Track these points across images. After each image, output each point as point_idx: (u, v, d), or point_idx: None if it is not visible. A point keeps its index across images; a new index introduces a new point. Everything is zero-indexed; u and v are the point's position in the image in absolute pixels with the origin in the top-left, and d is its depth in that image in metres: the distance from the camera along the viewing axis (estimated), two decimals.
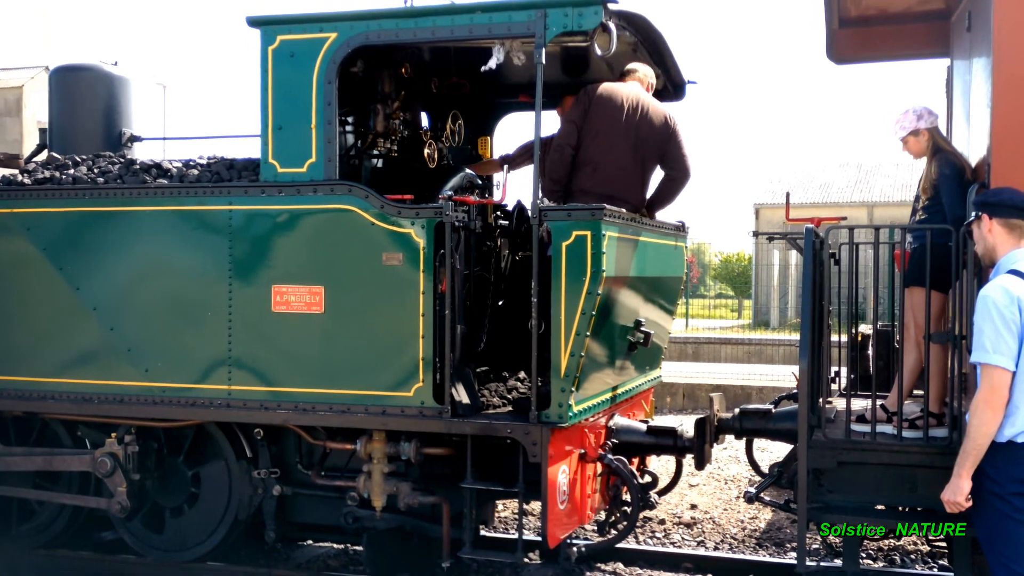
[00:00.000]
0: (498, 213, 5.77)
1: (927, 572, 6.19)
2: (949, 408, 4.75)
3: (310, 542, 6.73)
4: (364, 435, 5.29)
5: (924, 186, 5.26)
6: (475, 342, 5.42)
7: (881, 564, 6.41)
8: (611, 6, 4.83)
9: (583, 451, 5.28)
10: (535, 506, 6.90)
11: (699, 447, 5.63)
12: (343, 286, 5.10)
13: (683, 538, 7.09)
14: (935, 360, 4.94)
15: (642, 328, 5.54)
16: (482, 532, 6.46)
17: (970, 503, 3.90)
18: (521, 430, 4.87)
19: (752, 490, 5.49)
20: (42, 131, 6.64)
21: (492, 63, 5.01)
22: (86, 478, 5.97)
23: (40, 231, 5.65)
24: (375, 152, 5.95)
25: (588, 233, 4.77)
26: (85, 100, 6.45)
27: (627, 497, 5.59)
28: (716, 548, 6.87)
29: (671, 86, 6.40)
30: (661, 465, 7.66)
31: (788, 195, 6.95)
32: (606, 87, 5.51)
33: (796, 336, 5.34)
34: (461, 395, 5.02)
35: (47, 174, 5.82)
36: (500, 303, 5.78)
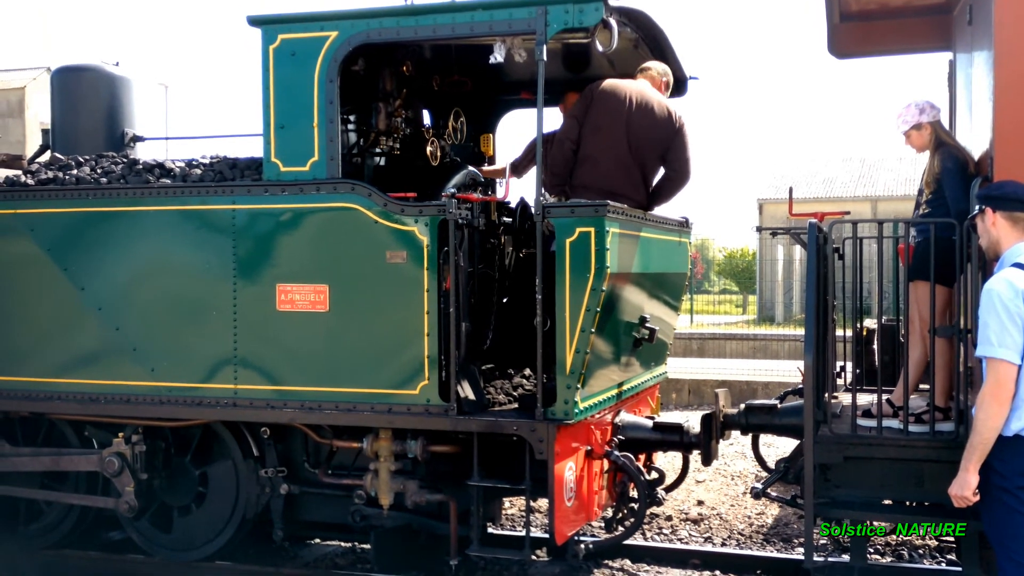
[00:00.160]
0: (501, 210, 5.77)
1: (935, 567, 6.18)
2: (955, 402, 4.75)
3: (317, 541, 6.74)
4: (370, 433, 5.30)
5: (927, 180, 5.25)
6: (480, 339, 5.42)
7: (889, 559, 6.40)
8: (612, 2, 4.82)
9: (589, 448, 5.28)
10: (542, 503, 6.89)
11: (705, 443, 5.63)
12: (347, 284, 5.11)
13: (690, 534, 7.08)
14: (940, 354, 4.93)
15: (647, 324, 5.53)
16: (489, 529, 6.45)
17: (977, 497, 3.90)
18: (527, 427, 4.87)
19: (759, 486, 5.49)
20: (45, 132, 6.68)
21: (493, 60, 5.01)
22: (93, 478, 5.98)
23: (44, 231, 5.66)
24: (377, 150, 5.95)
25: (592, 229, 4.77)
26: (87, 101, 6.46)
27: (634, 493, 5.59)
28: (723, 544, 6.87)
29: (673, 82, 6.39)
30: (667, 461, 7.66)
31: (791, 190, 6.95)
32: (610, 83, 5.49)
33: (801, 331, 5.33)
34: (467, 393, 5.02)
35: (50, 175, 5.84)
36: (504, 300, 5.77)
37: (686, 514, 7.47)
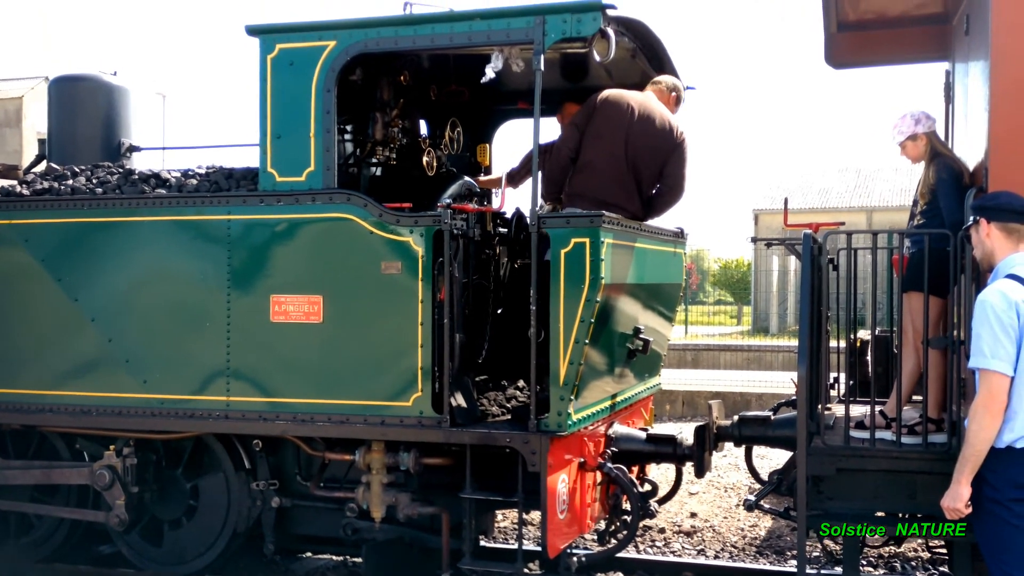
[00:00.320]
0: (497, 221, 5.76)
1: None
2: (948, 414, 4.74)
3: (309, 554, 6.71)
4: (363, 445, 5.27)
5: (922, 191, 5.26)
6: (474, 351, 5.41)
7: (882, 571, 6.39)
8: (610, 12, 4.83)
9: (582, 460, 5.26)
10: (535, 516, 6.88)
11: (699, 455, 5.62)
12: (342, 295, 5.09)
13: (683, 547, 7.06)
14: (934, 365, 4.93)
15: (641, 335, 5.53)
16: (482, 542, 6.44)
17: (970, 509, 3.89)
18: (520, 439, 4.85)
19: (752, 498, 5.47)
20: (41, 142, 6.66)
21: (491, 70, 5.01)
22: (84, 491, 5.94)
23: (38, 242, 5.64)
24: (374, 160, 5.95)
25: (587, 240, 4.76)
26: (84, 110, 6.45)
27: (627, 506, 5.56)
28: (716, 556, 6.85)
29: (682, 96, 6.38)
30: (661, 473, 7.64)
31: (786, 201, 6.95)
32: (614, 92, 5.49)
33: (795, 342, 5.32)
34: (460, 404, 5.01)
35: (45, 185, 5.82)
36: (499, 311, 5.76)
37: (679, 526, 7.46)
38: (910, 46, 6.50)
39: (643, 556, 6.72)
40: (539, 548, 6.23)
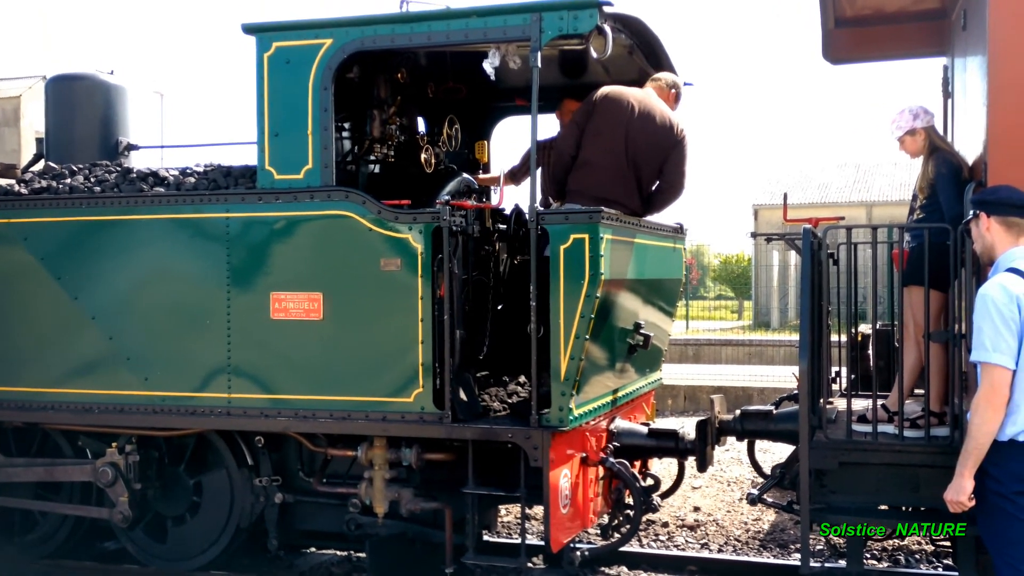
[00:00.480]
0: (496, 217, 5.76)
1: (931, 572, 6.18)
2: (950, 407, 4.75)
3: (313, 549, 6.71)
4: (365, 441, 5.28)
5: (921, 185, 5.25)
6: (475, 347, 5.42)
7: (885, 564, 6.39)
8: (606, 9, 4.83)
9: (584, 455, 5.27)
10: (538, 510, 6.88)
11: (701, 449, 5.62)
12: (341, 292, 5.10)
13: (687, 541, 7.07)
14: (935, 359, 4.93)
15: (642, 331, 5.53)
16: (485, 537, 6.45)
17: (973, 503, 3.89)
18: (522, 434, 4.86)
19: (755, 492, 5.47)
20: (39, 141, 6.65)
21: (488, 68, 5.01)
22: (88, 488, 5.96)
23: (37, 241, 5.64)
24: (372, 158, 5.95)
25: (586, 236, 4.76)
26: (82, 109, 6.45)
27: (630, 500, 5.57)
28: (720, 550, 6.86)
29: (681, 93, 6.38)
30: (663, 468, 7.65)
31: (786, 196, 6.95)
32: (614, 89, 5.49)
33: (796, 337, 5.32)
34: (461, 400, 5.01)
35: (44, 184, 5.82)
36: (499, 307, 5.77)
37: (682, 520, 7.46)
38: (908, 41, 6.50)
39: (646, 550, 6.73)
40: (542, 543, 6.23)
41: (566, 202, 5.42)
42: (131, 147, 6.54)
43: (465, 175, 6.07)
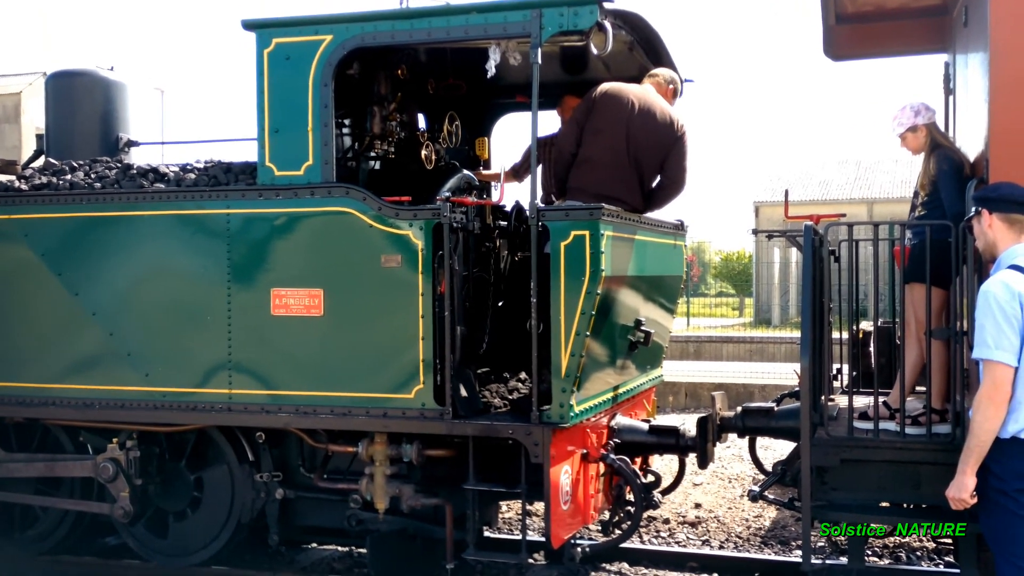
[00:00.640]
0: (497, 214, 5.76)
1: (933, 569, 6.18)
2: (952, 404, 4.74)
3: (314, 545, 6.72)
4: (366, 437, 5.29)
5: (923, 182, 5.25)
6: (475, 343, 5.41)
7: (887, 561, 6.39)
8: (607, 5, 4.82)
9: (585, 451, 5.26)
10: (539, 507, 6.88)
11: (701, 446, 5.62)
12: (342, 289, 5.09)
13: (688, 537, 7.07)
14: (937, 356, 4.92)
15: (642, 327, 5.53)
16: (486, 533, 6.45)
17: (975, 500, 3.89)
18: (523, 431, 4.86)
19: (756, 488, 5.47)
20: (39, 137, 6.64)
21: (489, 64, 5.00)
22: (88, 484, 5.96)
23: (38, 237, 5.64)
24: (372, 154, 5.94)
25: (586, 233, 4.76)
26: (82, 105, 6.44)
27: (630, 497, 5.57)
28: (721, 547, 6.86)
29: (680, 89, 6.37)
30: (664, 464, 7.65)
31: (787, 192, 6.94)
32: (613, 86, 5.48)
33: (797, 334, 5.32)
34: (462, 396, 5.01)
35: (44, 180, 5.82)
36: (500, 304, 5.76)
37: (683, 517, 7.46)
38: (909, 38, 6.48)
39: (647, 546, 6.73)
40: (543, 539, 6.23)
41: (568, 199, 5.41)
42: (131, 143, 6.54)
43: (466, 172, 6.06)
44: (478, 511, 5.14)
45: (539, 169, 6.42)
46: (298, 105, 5.12)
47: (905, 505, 4.91)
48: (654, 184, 5.67)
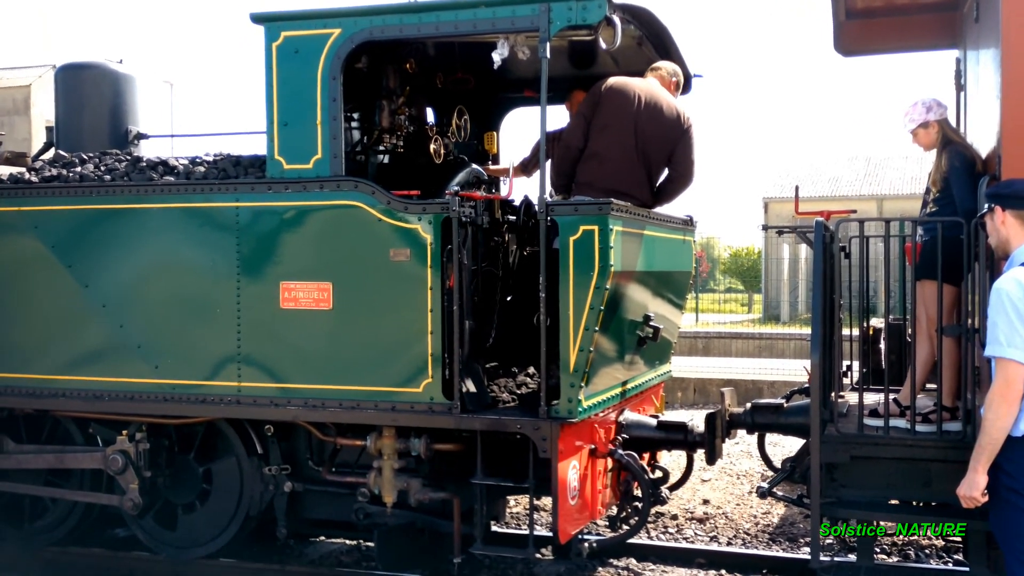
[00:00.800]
0: (506, 208, 5.75)
1: (942, 567, 6.15)
2: (963, 402, 4.72)
3: (322, 538, 6.73)
4: (374, 431, 5.29)
5: (934, 178, 5.22)
6: (484, 338, 5.41)
7: (896, 559, 6.37)
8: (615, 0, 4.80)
9: (593, 446, 5.26)
10: (546, 502, 6.88)
11: (710, 442, 5.61)
12: (351, 282, 5.09)
13: (696, 533, 7.06)
14: (948, 353, 4.90)
15: (651, 323, 5.52)
16: (493, 528, 6.45)
17: (986, 498, 3.87)
18: (531, 425, 4.85)
19: (765, 485, 5.46)
20: (49, 129, 6.66)
21: (496, 58, 4.99)
22: (98, 475, 5.98)
23: (48, 229, 5.65)
24: (381, 148, 5.94)
25: (595, 228, 4.75)
26: (91, 98, 6.46)
27: (638, 492, 5.57)
28: (729, 543, 6.85)
29: (683, 82, 6.36)
30: (672, 460, 7.64)
31: (797, 189, 6.92)
32: (618, 81, 5.47)
33: (807, 330, 5.31)
34: (470, 390, 5.01)
35: (54, 172, 5.83)
36: (508, 298, 5.76)
37: (691, 513, 7.45)
38: (920, 33, 6.45)
39: (655, 542, 6.72)
40: (550, 534, 6.23)
41: (576, 194, 5.41)
42: (141, 136, 6.55)
43: (474, 166, 6.05)
44: (486, 505, 5.14)
45: (548, 164, 6.41)
46: (307, 99, 5.12)
47: (915, 503, 4.89)
48: (662, 178, 5.66)
